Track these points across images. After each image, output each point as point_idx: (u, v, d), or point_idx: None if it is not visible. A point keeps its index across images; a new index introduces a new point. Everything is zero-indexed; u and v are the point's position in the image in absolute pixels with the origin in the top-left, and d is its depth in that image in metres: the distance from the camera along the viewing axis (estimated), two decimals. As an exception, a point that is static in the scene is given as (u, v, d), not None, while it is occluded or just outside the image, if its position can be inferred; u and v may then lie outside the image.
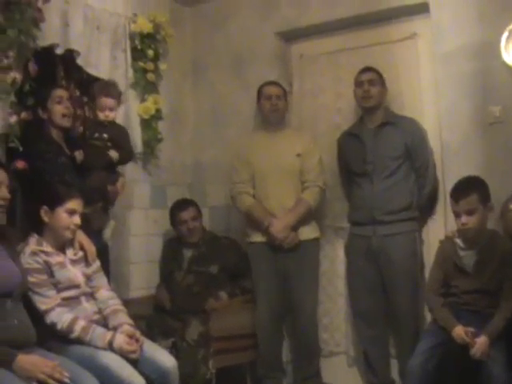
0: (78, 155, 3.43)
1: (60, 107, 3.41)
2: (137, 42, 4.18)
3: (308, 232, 4.04)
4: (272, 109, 4.09)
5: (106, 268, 3.45)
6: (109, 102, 3.65)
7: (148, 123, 4.28)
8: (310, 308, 4.06)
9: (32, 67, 3.36)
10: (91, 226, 3.40)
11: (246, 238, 4.15)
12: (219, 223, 4.65)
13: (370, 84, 3.85)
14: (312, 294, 4.08)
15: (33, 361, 2.42)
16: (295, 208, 3.97)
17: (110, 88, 3.69)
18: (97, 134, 3.61)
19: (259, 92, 4.16)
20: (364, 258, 3.84)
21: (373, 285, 3.84)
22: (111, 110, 3.63)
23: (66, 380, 2.42)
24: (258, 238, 4.05)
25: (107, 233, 3.48)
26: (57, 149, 3.38)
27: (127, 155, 3.75)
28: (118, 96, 3.71)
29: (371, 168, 3.81)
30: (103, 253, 3.54)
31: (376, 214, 3.78)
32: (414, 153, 3.80)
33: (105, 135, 3.60)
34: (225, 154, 4.49)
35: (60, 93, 3.46)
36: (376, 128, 3.86)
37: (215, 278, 4.13)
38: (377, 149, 3.83)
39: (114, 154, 3.59)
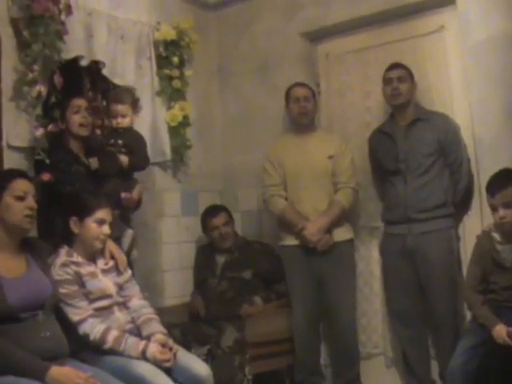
0: (93, 162, 3.42)
1: (77, 117, 3.41)
2: (161, 49, 4.18)
3: (342, 233, 3.99)
4: (301, 111, 4.05)
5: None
6: (120, 108, 3.62)
7: (176, 130, 4.27)
8: (348, 310, 4.02)
9: (57, 80, 3.37)
10: None
11: (279, 242, 4.10)
12: (251, 228, 4.63)
13: (399, 81, 3.78)
14: (349, 296, 4.03)
15: (65, 372, 2.41)
16: (329, 210, 3.92)
17: (121, 95, 3.66)
18: (112, 141, 3.60)
19: (287, 94, 4.12)
20: (399, 257, 3.78)
21: (409, 284, 3.77)
22: (123, 116, 3.59)
23: None
24: (290, 241, 4.01)
25: (125, 242, 3.45)
26: (71, 158, 3.37)
27: (141, 161, 3.70)
28: (131, 102, 3.67)
29: (404, 166, 3.75)
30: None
31: (410, 213, 3.71)
32: (448, 149, 3.72)
33: (119, 141, 3.59)
34: (255, 158, 4.46)
35: (78, 102, 3.46)
36: (407, 125, 3.79)
37: (249, 284, 4.11)
38: (409, 146, 3.76)
39: (123, 159, 3.55)
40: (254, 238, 4.45)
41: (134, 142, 3.59)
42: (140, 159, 3.65)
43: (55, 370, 2.40)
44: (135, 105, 3.63)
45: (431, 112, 3.85)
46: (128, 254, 3.42)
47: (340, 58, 4.38)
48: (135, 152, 3.59)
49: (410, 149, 3.75)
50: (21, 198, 2.64)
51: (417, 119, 3.78)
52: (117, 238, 3.40)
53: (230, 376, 3.58)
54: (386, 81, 3.83)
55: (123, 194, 3.48)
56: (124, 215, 3.55)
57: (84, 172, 3.37)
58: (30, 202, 2.66)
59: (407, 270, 3.75)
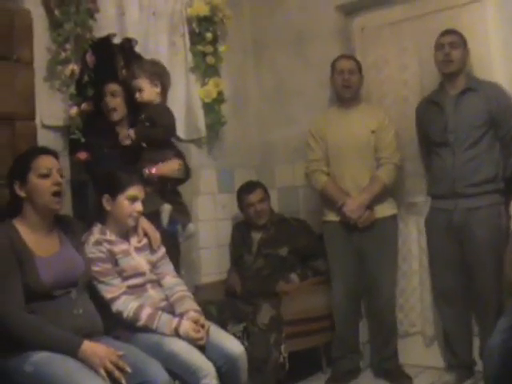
0: (131, 132, 3.43)
1: (107, 99, 3.51)
2: (194, 25, 4.13)
3: (384, 209, 3.94)
4: (344, 84, 3.98)
5: (174, 255, 3.45)
6: (134, 83, 3.54)
7: (210, 107, 4.24)
8: (389, 287, 3.98)
9: (90, 58, 3.39)
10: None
11: (322, 217, 4.07)
12: (288, 204, 4.60)
13: (451, 47, 3.64)
14: (390, 273, 3.99)
15: (97, 350, 2.43)
16: (369, 186, 3.87)
17: (136, 69, 3.57)
18: (141, 116, 3.55)
19: (332, 66, 4.05)
20: (445, 232, 3.69)
21: (454, 261, 3.69)
22: (139, 90, 3.51)
23: (128, 370, 2.41)
24: (332, 216, 3.98)
25: (164, 217, 3.44)
26: (106, 140, 3.41)
27: (160, 132, 3.52)
28: (149, 75, 3.54)
29: (453, 138, 3.63)
30: (171, 239, 3.54)
31: (458, 187, 3.62)
32: (499, 121, 3.59)
33: (142, 116, 3.53)
34: (291, 133, 4.45)
35: (110, 88, 3.55)
36: (458, 95, 3.67)
37: (285, 261, 4.10)
38: (459, 117, 3.64)
39: (130, 132, 3.46)
40: (290, 214, 4.42)
41: (155, 115, 3.52)
42: (159, 130, 3.53)
43: (87, 346, 2.43)
44: (154, 78, 3.56)
45: (483, 81, 3.70)
46: (166, 229, 3.41)
47: (376, 31, 4.28)
48: (157, 124, 3.52)
49: (459, 119, 3.64)
50: (46, 176, 2.63)
51: (468, 89, 3.65)
52: (152, 214, 3.39)
53: (265, 354, 3.59)
54: (438, 46, 3.69)
55: (146, 170, 3.42)
56: (163, 190, 3.50)
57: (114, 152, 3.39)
58: (55, 177, 2.66)
59: (453, 246, 3.68)
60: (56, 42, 3.28)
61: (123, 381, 2.39)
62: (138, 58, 3.84)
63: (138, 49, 3.80)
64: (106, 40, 3.59)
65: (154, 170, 3.39)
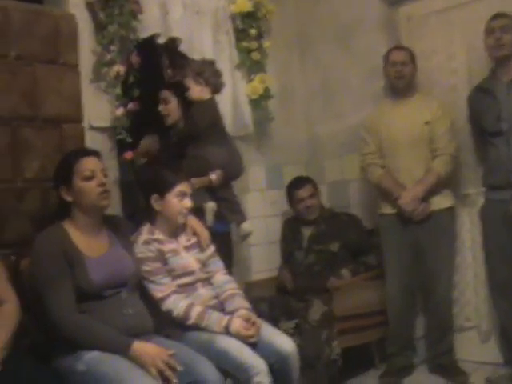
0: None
1: (161, 107, 3.56)
2: (238, 22, 4.14)
3: (440, 201, 3.87)
4: (396, 75, 3.92)
5: (227, 253, 3.46)
6: (185, 82, 3.57)
7: (257, 103, 4.24)
8: (445, 281, 3.90)
9: (135, 59, 3.43)
10: None
11: (377, 210, 4.03)
12: (338, 199, 4.56)
13: (503, 31, 3.54)
14: (447, 267, 3.91)
15: (148, 349, 2.43)
16: (424, 178, 3.81)
17: (185, 69, 3.63)
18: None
19: (385, 57, 3.99)
20: (501, 224, 3.59)
21: (510, 253, 3.58)
22: (187, 89, 3.56)
23: (179, 368, 2.42)
24: (388, 209, 3.93)
25: (208, 215, 3.43)
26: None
27: (189, 129, 3.56)
28: (194, 75, 3.56)
29: (507, 126, 3.53)
30: (225, 237, 3.54)
31: (513, 178, 3.51)
32: None
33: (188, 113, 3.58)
34: (339, 128, 4.41)
35: (162, 94, 3.60)
36: (510, 81, 3.57)
37: (336, 256, 4.06)
38: None
39: None
40: (340, 209, 4.38)
41: (193, 111, 3.56)
42: (185, 128, 3.57)
43: (138, 346, 2.44)
44: (197, 76, 3.54)
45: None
46: (215, 227, 3.40)
47: (422, 20, 4.19)
48: (193, 122, 3.53)
49: None
50: (90, 178, 2.64)
51: None
52: (198, 209, 3.36)
53: (317, 350, 3.55)
54: (489, 31, 3.59)
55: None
56: (212, 187, 3.50)
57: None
58: (100, 178, 2.67)
59: (509, 238, 3.57)
60: (101, 45, 3.34)
61: (174, 379, 2.39)
62: (183, 57, 3.86)
63: (182, 48, 3.81)
64: (151, 40, 3.62)
65: None
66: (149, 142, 3.66)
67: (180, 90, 3.56)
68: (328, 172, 4.66)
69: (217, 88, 3.64)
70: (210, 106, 3.57)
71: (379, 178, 3.92)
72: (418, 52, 4.10)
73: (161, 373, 2.38)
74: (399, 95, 3.97)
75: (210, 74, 3.56)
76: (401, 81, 3.92)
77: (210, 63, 3.65)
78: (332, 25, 4.53)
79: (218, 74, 3.65)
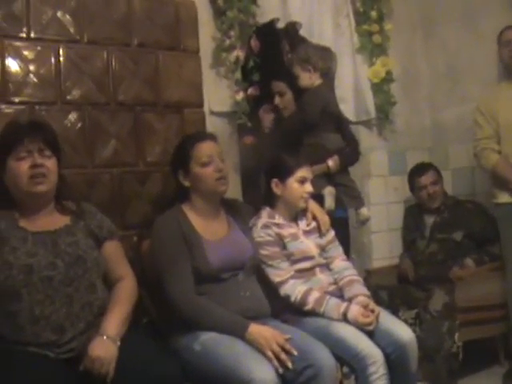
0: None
1: (276, 99, 3.55)
2: (358, 5, 4.07)
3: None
4: (509, 55, 3.72)
5: (345, 239, 3.40)
6: (294, 71, 3.55)
7: (379, 87, 4.17)
8: None
9: (254, 44, 3.44)
10: None
11: (493, 199, 3.83)
12: (463, 186, 4.40)
13: None
14: None
15: (264, 333, 2.43)
16: None
17: (293, 57, 3.62)
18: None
19: (498, 38, 3.81)
20: None
21: None
22: (297, 78, 3.54)
23: (294, 353, 2.39)
24: (505, 198, 3.73)
25: (328, 200, 3.39)
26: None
27: (291, 122, 3.56)
28: (301, 62, 3.53)
29: None
30: (342, 223, 3.50)
31: None
32: None
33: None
34: (465, 112, 4.21)
35: (277, 87, 3.63)
36: None
37: (460, 245, 3.92)
38: None
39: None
40: (465, 196, 4.24)
41: (304, 99, 3.51)
42: (291, 121, 3.55)
43: (254, 328, 2.44)
44: (304, 63, 3.50)
45: None
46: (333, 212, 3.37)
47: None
48: (302, 111, 3.50)
49: None
50: (207, 164, 2.66)
51: None
52: (317, 196, 3.34)
53: (438, 342, 3.45)
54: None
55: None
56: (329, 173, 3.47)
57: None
58: (217, 164, 2.68)
59: None
60: (220, 30, 3.38)
61: (289, 363, 2.37)
62: (303, 41, 3.83)
63: (302, 32, 3.79)
64: (270, 25, 3.62)
65: None
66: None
67: (292, 80, 3.54)
68: (452, 158, 4.50)
69: (326, 72, 3.59)
70: (320, 93, 3.52)
71: (495, 163, 3.71)
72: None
73: (276, 356, 2.37)
74: None
75: (317, 58, 3.50)
76: None
77: (317, 47, 3.60)
78: (457, 4, 4.34)
79: (326, 58, 3.58)
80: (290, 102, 3.60)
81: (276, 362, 2.36)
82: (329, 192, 3.37)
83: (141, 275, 2.64)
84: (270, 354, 2.38)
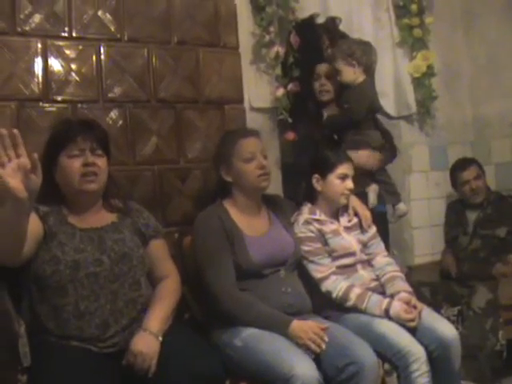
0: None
1: (317, 84, 3.50)
2: (398, -2, 4.02)
3: None
4: None
5: (384, 235, 3.38)
6: (335, 65, 3.47)
7: (420, 81, 4.11)
8: None
9: (294, 39, 3.43)
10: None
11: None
12: (506, 181, 4.32)
13: None
14: None
15: (305, 326, 2.43)
16: None
17: (335, 51, 3.52)
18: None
19: None
20: None
21: None
22: (339, 72, 3.46)
23: (325, 339, 2.39)
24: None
25: (371, 197, 3.37)
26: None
27: (345, 117, 3.45)
28: (345, 56, 3.43)
29: None
30: (380, 219, 3.48)
31: None
32: None
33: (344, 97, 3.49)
34: (508, 106, 4.17)
35: (318, 69, 3.54)
36: None
37: (504, 242, 3.85)
38: None
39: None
40: (509, 192, 4.15)
41: (351, 96, 3.44)
42: (343, 116, 3.45)
43: (297, 324, 2.44)
44: (349, 58, 3.42)
45: None
46: (374, 209, 3.34)
47: None
48: (350, 108, 3.43)
49: None
50: (250, 160, 2.67)
51: None
52: (361, 193, 3.34)
53: (481, 339, 3.40)
54: None
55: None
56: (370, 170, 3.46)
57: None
58: (259, 160, 2.68)
59: None
60: (260, 26, 3.38)
61: (323, 345, 2.37)
62: (343, 36, 3.80)
63: (342, 27, 3.77)
64: (310, 20, 3.60)
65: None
66: None
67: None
68: (495, 153, 4.43)
69: (370, 67, 3.53)
70: (366, 90, 3.47)
71: None
72: None
73: (312, 341, 2.38)
74: None
75: (360, 53, 3.44)
76: None
77: (360, 42, 3.56)
78: (498, -4, 4.28)
79: (369, 52, 3.51)
80: (330, 87, 3.57)
81: (313, 346, 2.37)
82: (373, 189, 3.36)
83: (182, 272, 2.65)
84: (313, 336, 2.38)
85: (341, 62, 3.44)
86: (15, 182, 1.86)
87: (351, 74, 3.43)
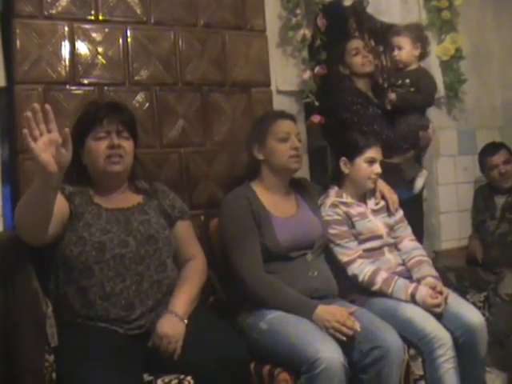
0: (392, 96, 3.40)
1: (358, 58, 3.42)
2: (426, -21, 3.95)
3: None
4: None
5: (419, 219, 3.41)
6: (397, 40, 3.47)
7: (448, 65, 4.06)
8: None
9: (321, 22, 3.41)
10: (403, 176, 3.34)
11: None
12: (536, 166, 4.24)
13: None
14: None
15: (331, 311, 2.42)
16: None
17: (400, 28, 3.53)
18: (400, 82, 3.47)
19: None
20: None
21: None
22: (399, 48, 3.46)
23: (357, 328, 2.37)
24: None
25: (419, 183, 3.37)
26: (364, 100, 3.36)
27: (424, 98, 3.49)
28: (413, 36, 3.47)
29: None
30: (416, 204, 3.48)
31: None
32: None
33: (407, 80, 3.45)
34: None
35: (355, 44, 3.48)
36: None
37: (532, 227, 3.79)
38: None
39: (391, 97, 3.42)
40: (538, 176, 4.09)
41: (419, 80, 3.44)
42: (419, 97, 3.45)
43: (322, 309, 2.43)
44: (416, 40, 3.46)
45: None
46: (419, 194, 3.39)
47: None
48: (420, 89, 3.43)
49: None
50: (284, 140, 2.68)
51: None
52: (411, 180, 3.38)
53: (508, 326, 3.36)
54: None
55: (421, 133, 3.40)
56: (419, 155, 3.49)
57: (378, 113, 3.37)
58: (294, 142, 2.69)
59: None
60: (286, 9, 3.36)
61: (350, 332, 2.36)
62: (370, 19, 3.78)
63: (369, 9, 3.73)
64: (337, 3, 3.57)
65: (430, 134, 3.49)
66: None
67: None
68: (524, 137, 4.37)
69: (425, 55, 3.58)
70: (432, 77, 3.53)
71: None
72: None
73: (337, 330, 2.36)
74: None
75: (424, 40, 3.50)
76: None
77: (423, 28, 3.59)
78: (529, -23, 4.20)
79: (427, 41, 3.58)
80: (371, 61, 3.53)
81: (339, 335, 2.35)
82: (423, 175, 3.40)
83: (208, 254, 2.66)
84: (337, 324, 2.36)
85: (407, 40, 3.43)
86: (46, 156, 1.87)
87: (410, 55, 3.45)
